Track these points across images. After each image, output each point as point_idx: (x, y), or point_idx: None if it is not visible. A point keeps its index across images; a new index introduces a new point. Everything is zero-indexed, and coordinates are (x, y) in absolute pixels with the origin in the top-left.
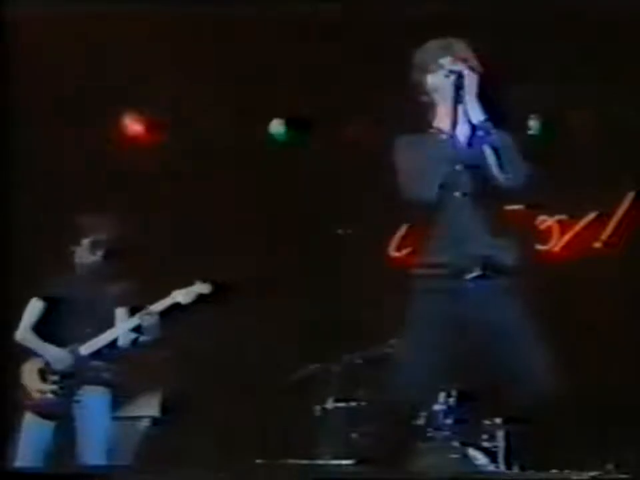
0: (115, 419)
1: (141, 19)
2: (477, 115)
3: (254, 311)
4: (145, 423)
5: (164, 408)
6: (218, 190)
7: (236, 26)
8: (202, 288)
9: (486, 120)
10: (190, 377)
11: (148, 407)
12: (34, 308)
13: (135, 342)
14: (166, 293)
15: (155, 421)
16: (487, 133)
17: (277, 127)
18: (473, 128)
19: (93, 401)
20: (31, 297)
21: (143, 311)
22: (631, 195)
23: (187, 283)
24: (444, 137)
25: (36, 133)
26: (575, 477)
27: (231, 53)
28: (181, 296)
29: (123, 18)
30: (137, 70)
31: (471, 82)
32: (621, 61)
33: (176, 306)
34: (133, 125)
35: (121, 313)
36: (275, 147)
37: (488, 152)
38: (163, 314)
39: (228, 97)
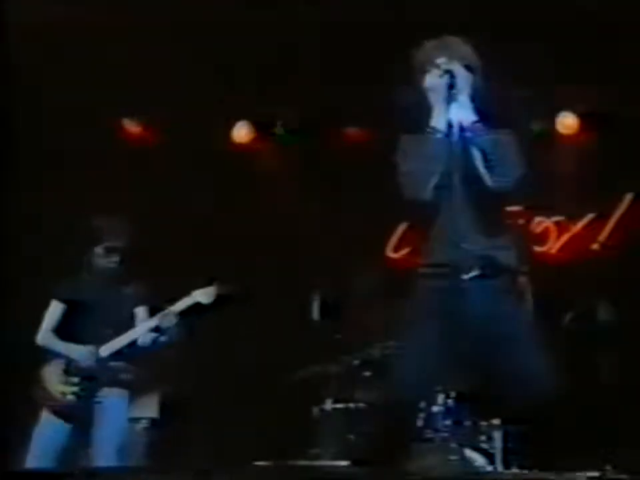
0: (131, 420)
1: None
2: (467, 115)
3: (253, 314)
4: (144, 424)
5: (163, 409)
6: (229, 191)
7: (233, 26)
8: (222, 288)
9: (476, 121)
10: (189, 378)
11: (147, 409)
12: (54, 310)
13: (154, 342)
14: (184, 293)
15: (153, 422)
16: (476, 134)
17: (279, 129)
18: (464, 128)
19: (112, 403)
20: (49, 300)
21: (163, 312)
22: (629, 197)
23: (203, 283)
24: (439, 136)
25: (46, 136)
26: (573, 478)
27: (229, 54)
28: (201, 296)
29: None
30: (138, 72)
31: (464, 81)
32: (620, 61)
33: (196, 306)
34: (142, 128)
35: (141, 312)
36: (280, 148)
37: (476, 154)
38: (182, 314)
39: (230, 99)
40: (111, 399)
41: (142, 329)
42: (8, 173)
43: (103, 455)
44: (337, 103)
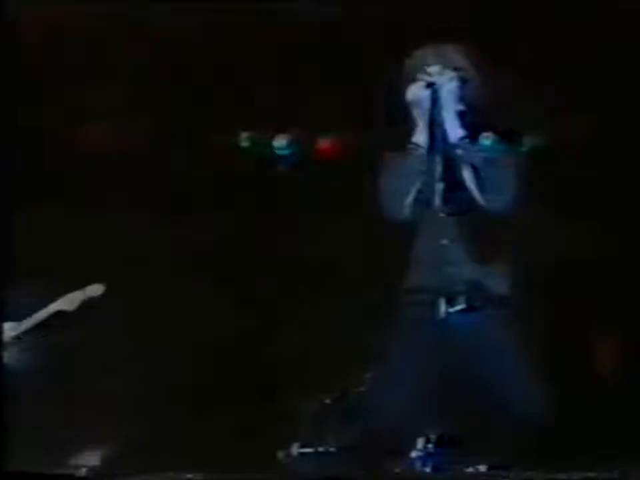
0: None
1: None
2: (455, 132)
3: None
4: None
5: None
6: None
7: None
8: (92, 290)
9: (465, 137)
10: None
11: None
12: None
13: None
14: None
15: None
16: (467, 151)
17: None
18: (452, 145)
19: None
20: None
21: (12, 336)
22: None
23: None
24: (421, 152)
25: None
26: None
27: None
28: (64, 303)
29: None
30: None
31: (451, 94)
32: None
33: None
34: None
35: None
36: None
37: (468, 172)
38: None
39: (207, 101)
40: None
41: None
42: (8, 172)
43: None
44: (335, 103)
